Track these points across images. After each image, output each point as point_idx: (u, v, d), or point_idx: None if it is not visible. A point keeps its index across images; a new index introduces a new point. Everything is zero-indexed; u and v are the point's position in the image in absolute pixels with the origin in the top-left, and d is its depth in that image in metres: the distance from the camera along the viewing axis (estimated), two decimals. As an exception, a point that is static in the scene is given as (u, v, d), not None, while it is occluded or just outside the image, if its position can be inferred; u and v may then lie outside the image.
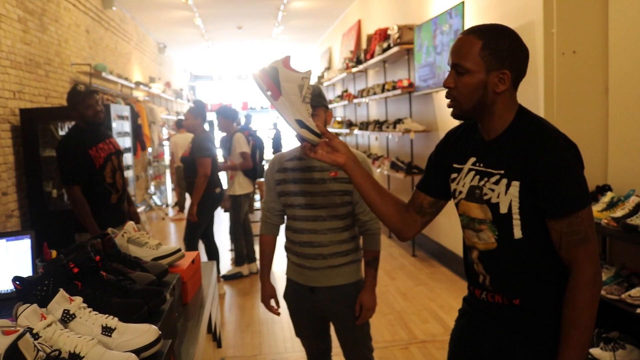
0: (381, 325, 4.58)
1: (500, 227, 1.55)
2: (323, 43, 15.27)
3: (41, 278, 1.31)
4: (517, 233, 1.53)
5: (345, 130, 10.39)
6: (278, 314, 2.71)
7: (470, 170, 1.63)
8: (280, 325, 4.63)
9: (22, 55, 5.55)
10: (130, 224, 2.11)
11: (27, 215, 5.42)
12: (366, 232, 2.54)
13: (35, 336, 1.01)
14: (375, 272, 2.56)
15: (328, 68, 13.61)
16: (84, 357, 1.03)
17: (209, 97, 22.79)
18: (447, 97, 1.59)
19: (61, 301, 1.18)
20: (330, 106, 11.97)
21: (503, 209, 1.53)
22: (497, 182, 1.55)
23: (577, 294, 1.46)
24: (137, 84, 10.06)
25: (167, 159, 12.72)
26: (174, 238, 8.92)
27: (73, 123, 4.52)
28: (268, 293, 2.70)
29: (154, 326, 1.25)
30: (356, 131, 9.22)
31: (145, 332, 1.21)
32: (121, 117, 6.77)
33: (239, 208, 6.01)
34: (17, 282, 1.32)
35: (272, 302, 2.70)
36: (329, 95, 13.09)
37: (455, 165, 1.69)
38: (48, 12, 6.36)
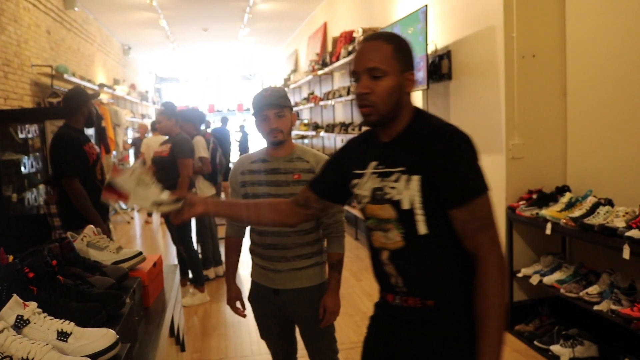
0: (347, 327, 4.60)
1: (405, 224, 1.57)
2: (289, 45, 15.28)
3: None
4: (422, 229, 1.54)
5: (311, 133, 10.41)
6: (244, 316, 2.71)
7: (372, 173, 1.64)
8: (247, 328, 4.61)
9: (-20, 56, 5.42)
10: (90, 228, 2.09)
11: (-14, 220, 5.30)
12: (330, 235, 2.55)
13: (-13, 342, 0.99)
14: (339, 275, 2.57)
15: (294, 70, 13.62)
16: (37, 362, 1.02)
17: (176, 100, 22.53)
18: (361, 104, 1.60)
19: (14, 307, 1.16)
20: (296, 109, 12.05)
21: (405, 205, 1.55)
22: (397, 180, 1.56)
23: (486, 280, 1.48)
24: (101, 85, 9.90)
25: (132, 162, 12.54)
26: (139, 242, 8.80)
27: (34, 126, 4.46)
28: (234, 295, 2.70)
29: (111, 330, 1.23)
30: (322, 133, 9.25)
31: (102, 337, 1.20)
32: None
33: None
34: (-30, 289, 1.29)
35: (238, 304, 2.70)
36: (295, 98, 13.09)
37: (356, 171, 1.70)
38: (6, 11, 6.23)
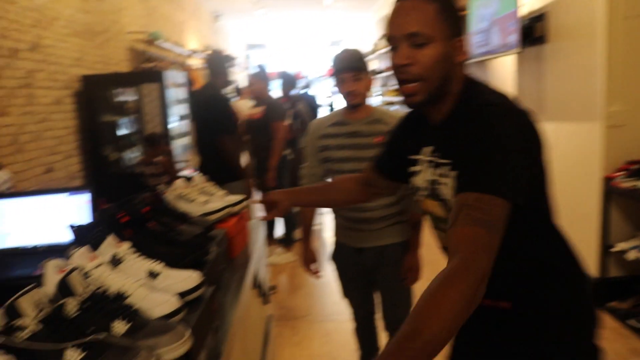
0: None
1: None
2: (378, 10, 15.04)
3: (94, 225, 1.38)
4: None
5: (399, 99, 10.28)
6: (319, 277, 2.81)
7: (428, 162, 1.39)
8: (331, 289, 4.69)
9: (82, 23, 5.72)
10: (180, 181, 2.19)
11: (89, 177, 5.65)
12: (412, 195, 2.55)
13: (86, 275, 1.08)
14: (418, 235, 2.61)
15: (384, 36, 13.41)
16: (128, 296, 1.10)
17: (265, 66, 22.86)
18: (401, 79, 1.30)
19: (110, 245, 1.25)
20: (384, 75, 11.90)
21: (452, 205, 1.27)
22: (446, 175, 1.31)
23: (440, 283, 1.04)
24: (192, 52, 10.21)
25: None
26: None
27: (131, 89, 4.69)
28: (308, 257, 2.79)
29: (197, 272, 1.31)
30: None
31: (188, 278, 1.27)
32: (177, 85, 6.90)
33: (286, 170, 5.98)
34: (73, 229, 1.40)
35: (312, 267, 2.79)
36: (382, 65, 12.94)
37: (411, 157, 1.47)
38: (106, -20, 6.52)
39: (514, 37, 4.81)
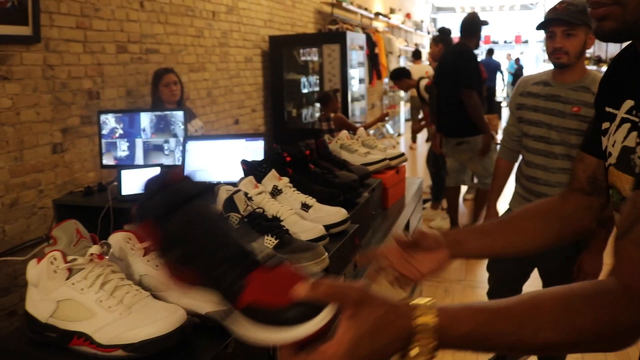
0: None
1: None
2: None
3: (261, 162, 1.60)
4: None
5: (593, 67, 9.55)
6: None
7: (624, 120, 0.98)
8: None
9: (274, -14, 6.13)
10: (344, 133, 2.36)
11: (271, 131, 6.13)
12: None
13: (249, 199, 1.29)
14: (607, 234, 2.16)
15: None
16: (282, 220, 1.28)
17: (452, 30, 22.36)
18: (593, 2, 0.92)
19: (272, 178, 1.45)
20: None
21: None
22: None
23: (595, 298, 0.78)
24: (377, 14, 10.35)
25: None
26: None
27: (314, 50, 4.98)
28: (492, 216, 2.59)
29: (343, 209, 1.46)
30: (604, 68, 8.43)
31: (336, 212, 1.44)
32: (359, 47, 7.10)
33: None
34: (244, 164, 1.63)
35: None
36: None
37: (608, 110, 1.04)
38: (298, -56, 6.87)
39: None
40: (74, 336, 0.85)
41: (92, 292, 0.85)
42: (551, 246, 1.16)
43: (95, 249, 0.89)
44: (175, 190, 0.66)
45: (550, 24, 2.16)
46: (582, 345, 0.79)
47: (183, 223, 0.65)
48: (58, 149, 3.32)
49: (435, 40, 5.59)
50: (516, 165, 2.55)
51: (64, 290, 0.86)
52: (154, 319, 0.83)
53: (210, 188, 0.71)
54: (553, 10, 2.17)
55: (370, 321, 0.68)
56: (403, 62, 13.21)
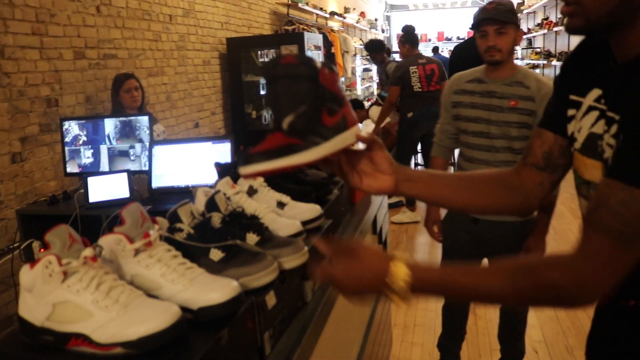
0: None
1: None
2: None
3: (233, 163, 1.64)
4: None
5: (542, 62, 9.86)
6: (440, 240, 2.67)
7: (591, 108, 1.03)
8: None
9: (229, -12, 6.14)
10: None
11: (231, 134, 6.14)
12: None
13: (228, 199, 1.32)
14: (548, 218, 2.33)
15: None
16: (261, 218, 1.33)
17: (414, 27, 22.62)
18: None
19: (248, 179, 1.49)
20: (528, 36, 11.38)
21: None
22: (610, 133, 0.96)
23: (544, 266, 0.93)
24: (332, 14, 10.45)
25: (359, 88, 13.12)
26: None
27: (272, 51, 5.05)
28: (432, 218, 2.65)
29: (317, 206, 1.52)
30: (554, 62, 8.72)
31: (310, 209, 1.49)
32: (316, 47, 7.17)
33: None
34: (217, 166, 1.66)
35: (435, 228, 2.64)
36: (528, 24, 12.39)
37: (572, 98, 1.09)
38: (252, -53, 6.89)
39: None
40: (71, 337, 0.88)
41: (88, 294, 0.88)
42: (496, 211, 1.25)
43: (88, 251, 0.91)
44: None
45: (482, 23, 2.26)
46: (537, 301, 0.97)
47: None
48: (17, 159, 3.27)
49: (402, 41, 5.68)
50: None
51: (59, 293, 0.88)
52: (151, 316, 0.86)
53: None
54: (484, 11, 2.27)
55: (359, 264, 0.94)
56: (359, 61, 13.35)
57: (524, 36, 11.88)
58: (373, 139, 1.09)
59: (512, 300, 0.98)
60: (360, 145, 1.08)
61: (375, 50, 6.77)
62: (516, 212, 1.22)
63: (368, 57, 7.37)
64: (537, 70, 10.72)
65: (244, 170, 0.96)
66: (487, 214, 1.18)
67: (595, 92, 1.02)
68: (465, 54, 4.78)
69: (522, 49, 12.37)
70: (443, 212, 2.72)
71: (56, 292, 0.89)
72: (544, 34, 10.54)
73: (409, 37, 5.52)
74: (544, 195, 1.18)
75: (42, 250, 0.91)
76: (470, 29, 2.40)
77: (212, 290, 0.96)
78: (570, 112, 1.08)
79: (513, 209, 1.21)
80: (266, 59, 6.29)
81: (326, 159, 1.00)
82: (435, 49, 12.10)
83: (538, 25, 10.67)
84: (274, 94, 0.98)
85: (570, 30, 0.99)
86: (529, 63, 10.77)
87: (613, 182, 0.87)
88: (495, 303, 1.02)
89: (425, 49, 14.90)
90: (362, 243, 0.98)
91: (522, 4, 12.55)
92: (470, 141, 2.42)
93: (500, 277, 0.92)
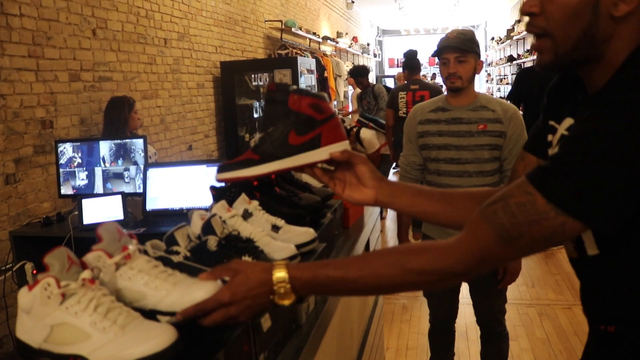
0: (547, 284, 4.57)
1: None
2: (514, -6, 14.56)
3: (229, 187, 1.66)
4: (590, 248, 1.00)
5: (507, 65, 9.99)
6: None
7: (563, 136, 1.05)
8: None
9: (223, 14, 6.21)
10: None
11: (224, 157, 6.16)
12: None
13: (224, 222, 1.34)
14: None
15: (519, 21, 13.02)
16: (256, 241, 1.34)
17: (396, 52, 22.90)
18: (530, 31, 1.00)
19: (243, 202, 1.51)
20: (518, 61, 11.53)
21: None
22: None
23: (425, 250, 0.98)
24: (325, 38, 10.57)
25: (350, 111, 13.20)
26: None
27: (266, 75, 5.12)
28: (404, 225, 2.69)
29: (311, 229, 1.53)
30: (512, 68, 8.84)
31: (304, 233, 1.50)
32: (308, 71, 7.24)
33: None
34: (213, 190, 1.68)
35: (411, 237, 2.70)
36: (517, 51, 12.55)
37: (551, 123, 1.11)
38: (246, -28, 6.99)
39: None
40: (69, 359, 0.88)
41: (87, 315, 0.89)
42: None
43: (86, 273, 0.92)
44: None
45: (444, 51, 2.34)
46: (406, 284, 1.00)
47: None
48: (11, 180, 3.28)
49: (403, 68, 5.83)
50: None
51: (58, 315, 0.89)
52: (149, 337, 0.87)
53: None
54: (446, 39, 2.35)
55: (244, 276, 0.98)
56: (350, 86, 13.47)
57: (515, 62, 12.06)
58: (350, 155, 1.14)
59: (378, 286, 1.03)
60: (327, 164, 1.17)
61: (360, 75, 6.91)
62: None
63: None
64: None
65: (217, 176, 1.14)
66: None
67: (568, 121, 1.04)
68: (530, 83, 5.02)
69: (512, 74, 12.53)
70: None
71: (54, 314, 0.89)
72: (533, 60, 10.69)
73: (407, 62, 5.63)
74: None
75: (34, 272, 0.93)
76: (432, 56, 2.47)
77: (197, 289, 0.97)
78: (549, 137, 1.11)
79: None
80: (259, 83, 6.35)
81: (299, 169, 1.14)
82: (434, 76, 12.23)
83: (527, 51, 10.83)
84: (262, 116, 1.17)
85: (541, 67, 1.01)
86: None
87: (525, 183, 0.90)
88: (368, 293, 1.11)
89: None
90: (239, 260, 1.04)
91: (512, 30, 12.75)
92: (442, 168, 2.45)
93: (364, 265, 0.99)
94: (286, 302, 1.00)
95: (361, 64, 10.11)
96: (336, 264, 1.03)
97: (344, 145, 1.13)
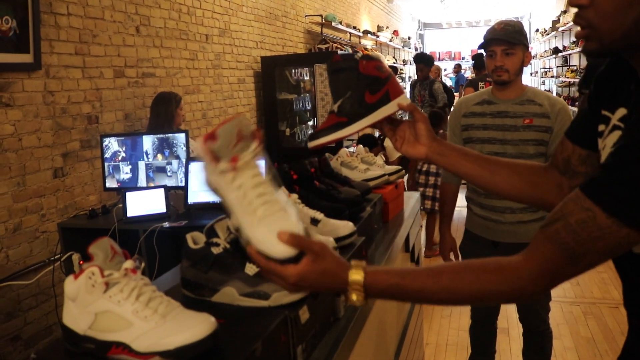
0: (592, 282, 4.45)
1: None
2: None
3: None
4: (637, 246, 0.97)
5: (578, 80, 9.74)
6: None
7: (615, 127, 1.02)
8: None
9: (264, 9, 6.25)
10: (344, 150, 2.44)
11: (265, 151, 6.19)
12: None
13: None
14: None
15: (565, 12, 12.68)
16: (295, 234, 1.35)
17: (438, 46, 22.67)
18: (577, 23, 0.97)
19: (281, 195, 1.52)
20: (564, 54, 11.25)
21: None
22: None
23: (489, 271, 0.97)
24: (365, 32, 10.52)
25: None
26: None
27: (306, 69, 5.10)
28: (448, 245, 2.65)
29: (351, 223, 1.53)
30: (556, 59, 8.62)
31: (344, 226, 1.50)
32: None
33: None
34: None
35: (452, 256, 2.63)
36: (562, 42, 12.25)
37: (604, 113, 1.07)
38: (287, -33, 7.01)
39: None
40: (112, 346, 0.91)
41: (129, 304, 0.91)
42: (515, 198, 1.31)
43: (129, 263, 0.95)
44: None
45: (491, 43, 2.27)
46: (480, 301, 1.00)
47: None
48: (59, 174, 3.37)
49: (473, 67, 6.20)
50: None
51: (101, 303, 0.92)
52: (188, 327, 0.89)
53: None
54: (492, 31, 2.28)
55: (321, 268, 0.97)
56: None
57: (560, 54, 11.76)
58: (414, 108, 1.27)
59: (452, 301, 1.05)
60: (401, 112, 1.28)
61: (424, 62, 6.83)
62: (532, 204, 1.36)
63: (402, 74, 7.56)
64: (574, 89, 10.59)
65: (310, 143, 1.26)
66: (506, 198, 1.32)
67: (621, 111, 1.02)
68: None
69: (557, 67, 12.23)
70: (458, 240, 2.72)
71: (98, 302, 0.92)
72: (580, 52, 10.40)
73: (476, 62, 6.21)
74: (562, 197, 1.10)
75: (81, 262, 0.94)
76: (478, 48, 2.41)
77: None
78: (601, 127, 1.08)
79: (530, 201, 1.31)
80: (300, 77, 6.38)
81: (373, 126, 1.26)
82: (458, 67, 12.05)
83: (573, 42, 10.54)
84: (330, 85, 1.30)
85: (586, 53, 1.01)
86: (565, 81, 10.64)
87: (581, 198, 0.89)
88: (442, 304, 1.06)
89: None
90: (324, 244, 1.01)
91: (558, 21, 12.44)
92: None
93: (440, 280, 0.99)
94: (355, 303, 1.00)
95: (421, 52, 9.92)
96: (411, 277, 1.02)
97: (405, 97, 1.28)
